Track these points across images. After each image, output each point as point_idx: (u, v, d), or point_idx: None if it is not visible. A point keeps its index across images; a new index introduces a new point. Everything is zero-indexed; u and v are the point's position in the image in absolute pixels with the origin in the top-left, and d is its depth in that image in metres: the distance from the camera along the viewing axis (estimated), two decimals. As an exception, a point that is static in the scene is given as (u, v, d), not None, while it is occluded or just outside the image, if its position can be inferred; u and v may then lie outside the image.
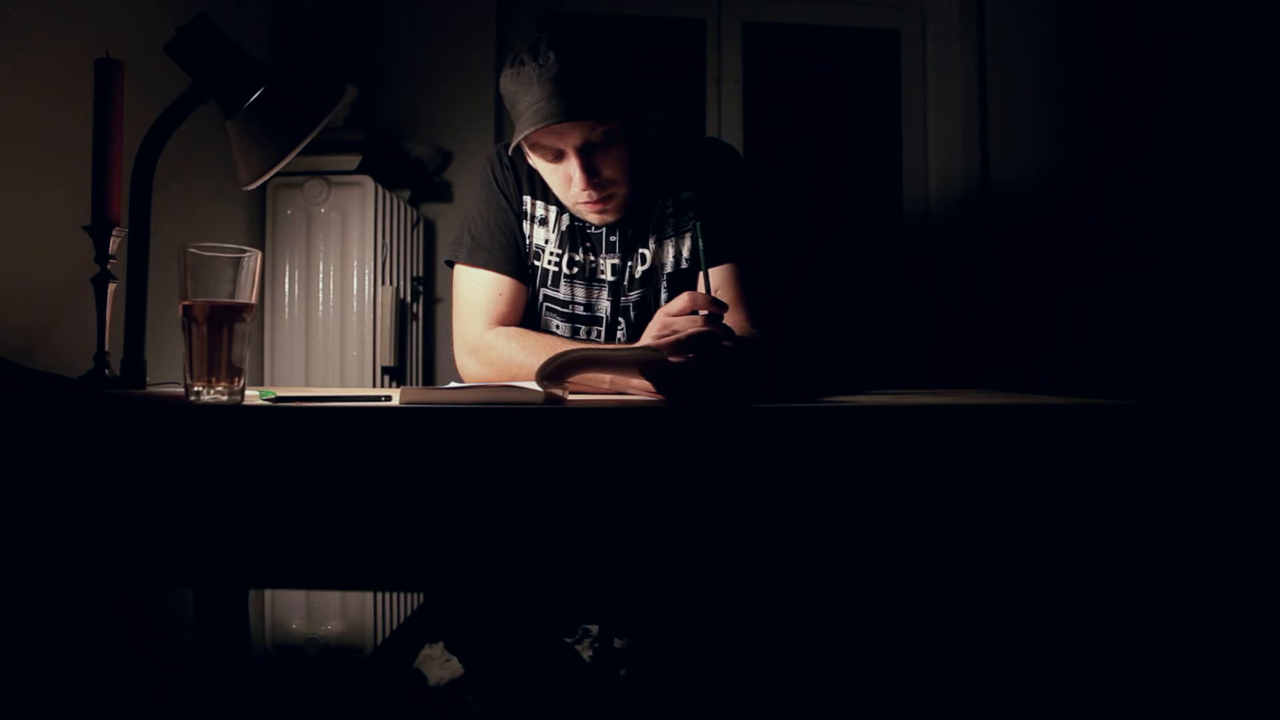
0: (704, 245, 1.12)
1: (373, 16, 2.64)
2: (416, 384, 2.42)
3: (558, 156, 1.28)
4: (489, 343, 1.35)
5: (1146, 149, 2.81)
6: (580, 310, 1.42)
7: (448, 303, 2.69)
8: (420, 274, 2.52)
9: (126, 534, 0.81)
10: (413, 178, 2.49)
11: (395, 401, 0.89)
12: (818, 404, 0.93)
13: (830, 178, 2.94)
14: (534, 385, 0.95)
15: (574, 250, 1.41)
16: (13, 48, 1.32)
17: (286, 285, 2.17)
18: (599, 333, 1.42)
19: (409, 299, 2.40)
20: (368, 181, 2.16)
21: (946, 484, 0.82)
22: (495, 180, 1.42)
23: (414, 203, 2.54)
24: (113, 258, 1.14)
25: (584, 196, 1.29)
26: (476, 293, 1.39)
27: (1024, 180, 2.82)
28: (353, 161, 2.16)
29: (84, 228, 1.14)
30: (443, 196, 2.67)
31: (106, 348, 1.14)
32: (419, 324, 2.50)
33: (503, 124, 2.79)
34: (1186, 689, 0.78)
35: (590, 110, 1.21)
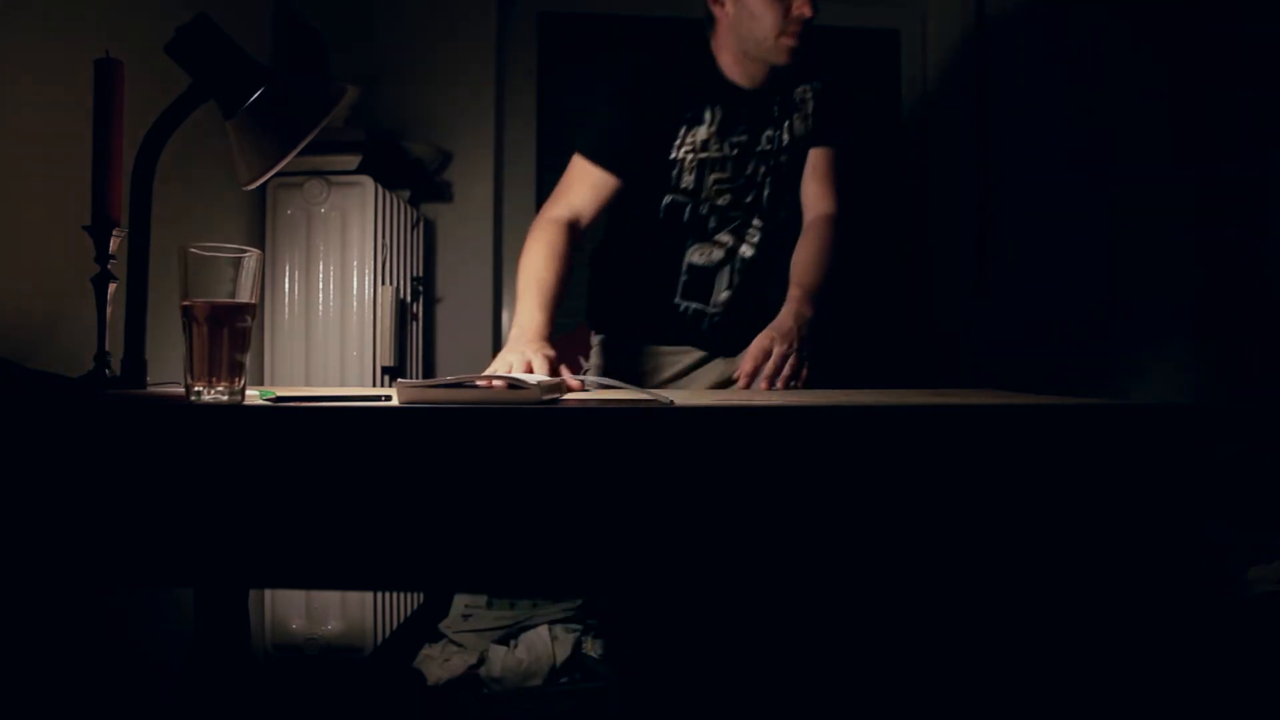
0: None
1: (373, 16, 2.64)
2: (416, 384, 2.42)
3: None
4: (534, 235, 1.52)
5: (1147, 148, 2.81)
6: (740, 183, 1.60)
7: (448, 303, 2.69)
8: (420, 274, 2.52)
9: (126, 534, 0.81)
10: (413, 178, 2.49)
11: (394, 399, 0.89)
12: (817, 403, 0.93)
13: (830, 178, 2.93)
14: (533, 380, 0.95)
15: (730, 134, 1.57)
16: (12, 47, 1.32)
17: (286, 285, 2.17)
18: (754, 196, 1.62)
19: (409, 299, 2.40)
20: (368, 181, 2.16)
21: (946, 484, 0.82)
22: (642, 86, 1.55)
23: (414, 203, 2.54)
24: (113, 258, 1.14)
25: (796, 28, 1.46)
26: (571, 171, 1.56)
27: (1024, 180, 2.82)
28: (353, 161, 2.15)
29: (84, 228, 1.14)
30: (443, 196, 2.67)
31: (107, 348, 1.14)
32: (419, 324, 2.50)
33: (503, 124, 2.79)
34: (1187, 689, 0.78)
35: None
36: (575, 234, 1.53)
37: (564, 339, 2.61)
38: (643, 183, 1.57)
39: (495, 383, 0.94)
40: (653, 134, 1.54)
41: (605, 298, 1.77)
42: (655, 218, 1.61)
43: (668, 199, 1.58)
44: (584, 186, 1.55)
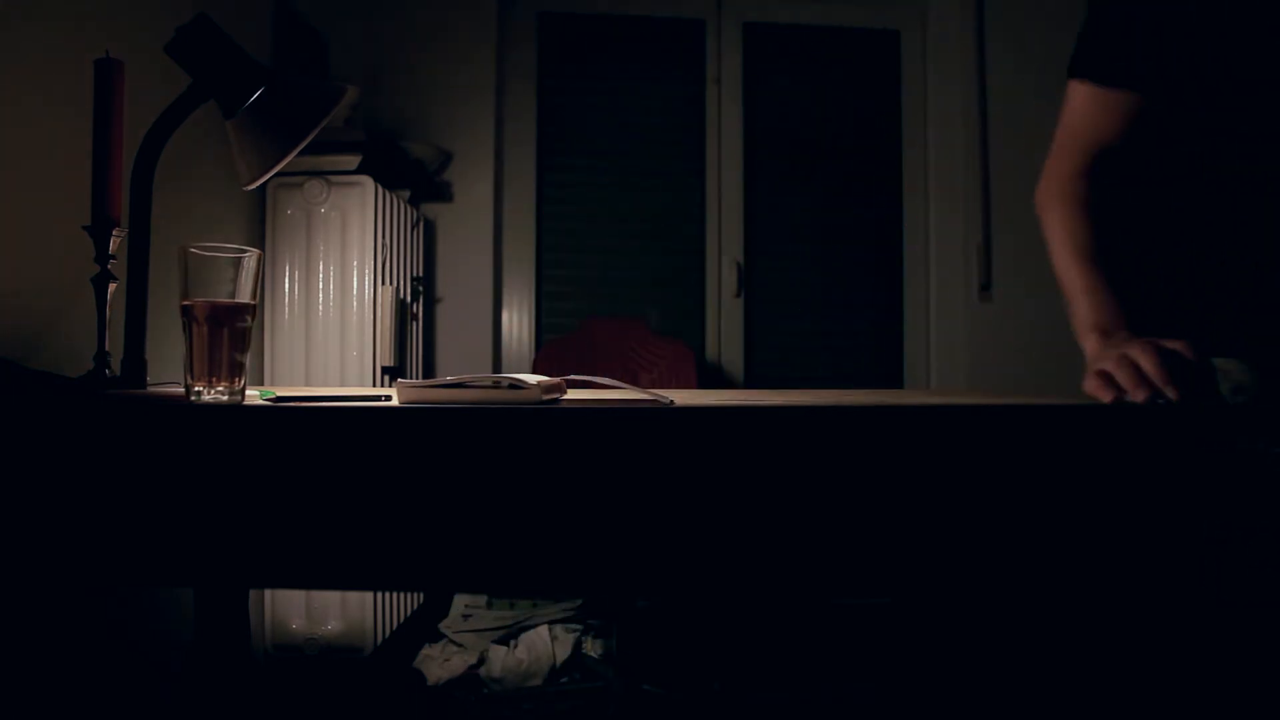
0: None
1: (373, 16, 2.64)
2: (416, 384, 2.42)
3: None
4: (1052, 197, 1.16)
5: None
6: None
7: (448, 303, 2.69)
8: (420, 274, 2.52)
9: (127, 534, 0.81)
10: (413, 178, 2.49)
11: (394, 399, 0.89)
12: (815, 403, 0.93)
13: (830, 178, 2.94)
14: (534, 380, 0.95)
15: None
16: (12, 47, 1.32)
17: (286, 285, 2.17)
18: None
19: (409, 299, 2.40)
20: (368, 181, 2.16)
21: (947, 484, 0.82)
22: None
23: (414, 203, 2.54)
24: (113, 258, 1.15)
25: None
26: (1072, 106, 1.15)
27: (1024, 180, 2.81)
28: (353, 161, 2.16)
29: (84, 228, 1.14)
30: (443, 196, 2.67)
31: (107, 348, 1.14)
32: (419, 324, 2.50)
33: (503, 124, 2.79)
34: (1188, 695, 0.78)
35: None
36: (1104, 183, 1.14)
37: (564, 339, 2.62)
38: (1188, 105, 1.11)
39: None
40: (1179, 27, 1.08)
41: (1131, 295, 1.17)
42: (1222, 154, 1.14)
43: (1239, 121, 1.10)
44: (1098, 116, 1.14)
